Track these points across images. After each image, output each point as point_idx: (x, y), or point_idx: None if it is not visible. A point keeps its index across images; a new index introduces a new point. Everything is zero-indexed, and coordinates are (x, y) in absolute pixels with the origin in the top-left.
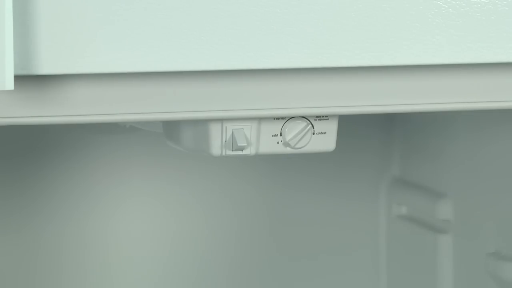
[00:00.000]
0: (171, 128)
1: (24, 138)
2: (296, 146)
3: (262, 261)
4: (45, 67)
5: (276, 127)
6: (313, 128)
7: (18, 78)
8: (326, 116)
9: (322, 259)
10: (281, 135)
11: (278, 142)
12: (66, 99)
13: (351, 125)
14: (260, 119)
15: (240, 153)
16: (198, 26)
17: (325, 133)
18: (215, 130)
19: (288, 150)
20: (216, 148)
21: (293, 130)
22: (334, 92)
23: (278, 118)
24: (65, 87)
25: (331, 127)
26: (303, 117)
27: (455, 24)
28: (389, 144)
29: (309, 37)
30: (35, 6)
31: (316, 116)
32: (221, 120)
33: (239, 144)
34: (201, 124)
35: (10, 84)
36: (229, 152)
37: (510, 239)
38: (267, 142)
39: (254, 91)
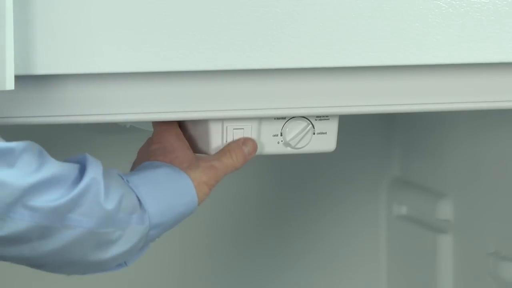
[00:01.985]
0: None
1: (24, 138)
2: (297, 146)
3: (262, 260)
4: (45, 67)
5: (277, 127)
6: (314, 128)
7: (18, 78)
8: (326, 116)
9: (322, 258)
10: (281, 135)
11: (278, 142)
12: (66, 99)
13: (352, 125)
14: (260, 119)
15: None
16: (198, 26)
17: (326, 133)
18: (215, 130)
19: (289, 150)
20: (216, 148)
21: (294, 130)
22: (334, 92)
23: (278, 118)
24: (65, 87)
25: (332, 127)
26: (303, 117)
27: (455, 24)
28: (389, 144)
29: (309, 37)
30: (35, 6)
31: (317, 116)
32: (221, 120)
33: None
34: (201, 124)
35: (10, 84)
36: None
37: (510, 239)
38: (268, 142)
39: (254, 91)
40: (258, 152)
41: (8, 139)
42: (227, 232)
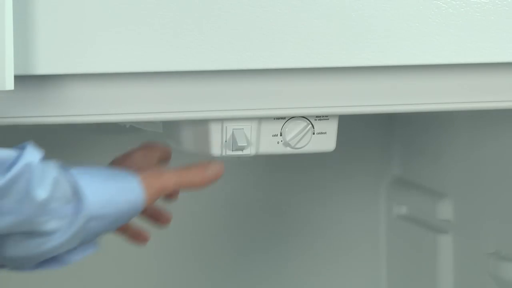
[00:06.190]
0: (171, 128)
1: (25, 138)
2: (296, 146)
3: (262, 260)
4: (45, 67)
5: (276, 127)
6: (313, 128)
7: (18, 78)
8: (326, 116)
9: (322, 259)
10: (281, 135)
11: (278, 142)
12: (66, 99)
13: (351, 125)
14: (260, 119)
15: (240, 153)
16: (197, 26)
17: (325, 133)
18: (215, 130)
19: (288, 150)
20: (216, 148)
21: (293, 130)
22: (334, 92)
23: (278, 118)
24: (65, 87)
25: (331, 127)
26: (303, 117)
27: (455, 24)
28: (389, 144)
29: (309, 37)
30: (35, 6)
31: (316, 116)
32: (221, 120)
33: (239, 144)
34: (201, 124)
35: (10, 84)
36: (229, 152)
37: (510, 239)
38: (267, 142)
39: (254, 91)
40: (258, 152)
41: (8, 139)
42: (225, 232)
